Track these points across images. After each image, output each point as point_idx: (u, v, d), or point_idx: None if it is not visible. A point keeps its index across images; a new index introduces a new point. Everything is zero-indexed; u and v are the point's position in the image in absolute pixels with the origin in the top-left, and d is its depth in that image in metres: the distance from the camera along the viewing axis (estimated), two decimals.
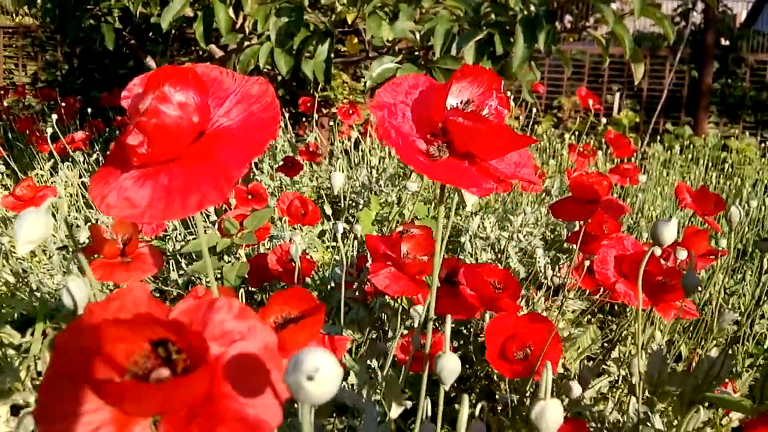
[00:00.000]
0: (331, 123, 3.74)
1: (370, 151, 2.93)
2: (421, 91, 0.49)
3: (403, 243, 0.98)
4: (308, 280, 1.45)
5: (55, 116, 2.22)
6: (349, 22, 1.59)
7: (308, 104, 3.31)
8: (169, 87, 0.37)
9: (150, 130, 0.37)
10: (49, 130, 2.16)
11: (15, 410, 1.33)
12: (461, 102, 0.49)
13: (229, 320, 0.42)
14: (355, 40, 1.62)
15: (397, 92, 0.48)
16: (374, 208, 1.48)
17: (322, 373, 0.29)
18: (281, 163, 2.50)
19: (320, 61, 1.68)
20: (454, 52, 1.45)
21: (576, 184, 1.12)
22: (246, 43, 2.17)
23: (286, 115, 3.42)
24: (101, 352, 0.40)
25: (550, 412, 0.47)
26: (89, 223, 1.74)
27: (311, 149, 2.70)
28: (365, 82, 1.60)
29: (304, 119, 3.84)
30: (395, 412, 0.81)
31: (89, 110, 3.30)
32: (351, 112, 2.85)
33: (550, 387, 0.50)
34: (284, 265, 1.39)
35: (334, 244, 1.87)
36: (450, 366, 0.55)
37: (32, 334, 1.54)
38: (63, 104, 3.11)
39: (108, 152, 2.45)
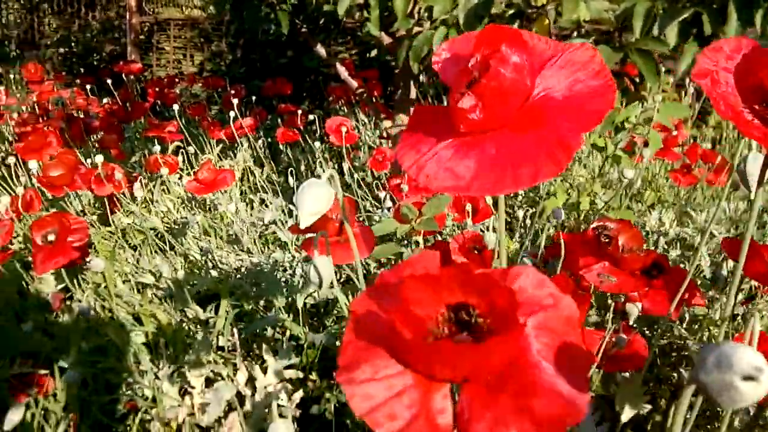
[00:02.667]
0: None
1: None
2: (745, 55, 0.43)
3: (620, 236, 0.92)
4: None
5: (235, 104, 2.31)
6: (542, 3, 1.53)
7: None
8: (506, 48, 0.34)
9: (487, 93, 0.34)
10: (231, 114, 2.26)
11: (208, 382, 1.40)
12: None
13: (529, 289, 0.39)
14: (546, 21, 1.56)
15: (718, 58, 0.43)
16: (560, 198, 1.42)
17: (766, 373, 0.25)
18: None
19: None
20: (655, 32, 1.36)
21: None
22: (416, 30, 2.16)
23: (435, 102, 3.39)
24: (402, 316, 0.38)
25: None
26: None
27: None
28: None
29: None
30: (627, 414, 0.74)
31: (253, 98, 3.43)
32: None
33: None
34: (467, 254, 1.36)
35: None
36: None
37: (214, 310, 1.62)
38: (232, 92, 3.25)
39: (404, 121, 2.51)
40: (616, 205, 1.47)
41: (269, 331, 1.53)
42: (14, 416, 0.91)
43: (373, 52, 4.60)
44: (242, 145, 2.91)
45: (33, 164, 1.37)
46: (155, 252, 1.77)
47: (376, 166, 2.00)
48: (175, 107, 2.54)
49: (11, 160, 1.69)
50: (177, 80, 3.88)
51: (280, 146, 3.06)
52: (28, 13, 6.46)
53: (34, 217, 1.66)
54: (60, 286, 1.39)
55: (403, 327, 0.37)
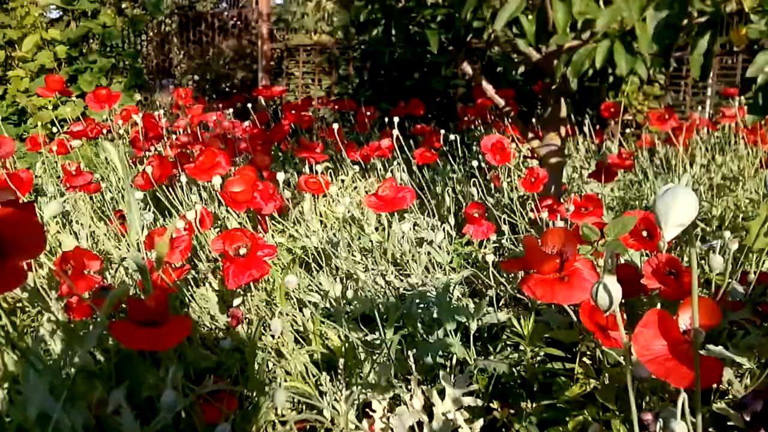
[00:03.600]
0: (626, 131, 3.53)
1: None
2: None
3: None
4: None
5: (391, 125, 2.29)
6: (746, 9, 1.41)
7: (611, 110, 3.13)
8: None
9: None
10: (388, 141, 2.25)
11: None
12: None
13: None
14: (744, 30, 1.44)
15: None
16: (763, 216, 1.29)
17: None
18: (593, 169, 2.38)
19: (698, 54, 1.53)
20: None
21: None
22: (567, 45, 2.07)
23: (587, 120, 3.27)
24: None
25: None
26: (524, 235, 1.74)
27: (622, 156, 2.54)
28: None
29: (597, 126, 3.66)
30: None
31: (386, 120, 3.43)
32: (667, 117, 2.62)
33: None
34: (662, 278, 1.26)
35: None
36: None
37: (378, 331, 1.58)
38: (368, 113, 3.26)
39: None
40: None
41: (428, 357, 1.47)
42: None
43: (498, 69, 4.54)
44: (376, 167, 2.91)
45: (216, 180, 1.40)
46: (317, 270, 1.76)
47: (529, 186, 1.92)
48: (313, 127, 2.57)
49: (183, 178, 1.74)
50: (308, 104, 3.95)
51: (413, 167, 3.04)
52: (162, 43, 6.84)
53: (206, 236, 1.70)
54: (237, 302, 1.39)
55: None
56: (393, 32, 2.34)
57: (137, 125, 2.53)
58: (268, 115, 3.66)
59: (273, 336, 1.59)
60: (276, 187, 1.67)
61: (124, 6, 5.36)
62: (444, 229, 1.78)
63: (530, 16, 2.04)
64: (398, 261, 1.97)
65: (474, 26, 2.29)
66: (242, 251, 1.06)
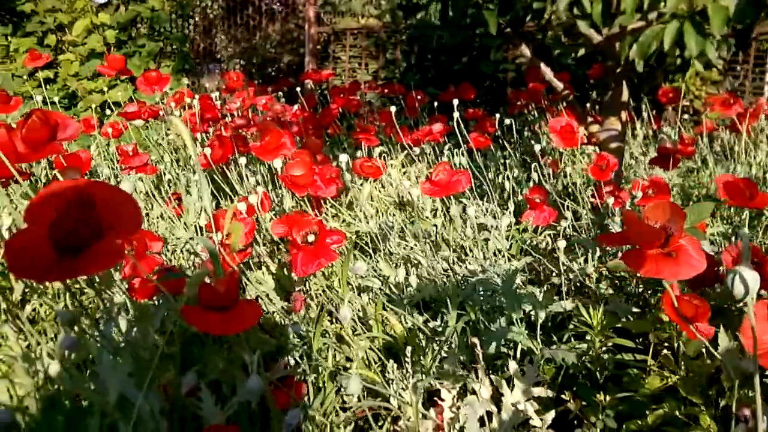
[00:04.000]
0: (683, 116, 3.43)
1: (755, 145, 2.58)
2: None
3: None
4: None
5: (440, 109, 2.25)
6: None
7: (669, 95, 3.04)
8: None
9: None
10: (440, 125, 2.21)
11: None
12: None
13: None
14: None
15: None
16: None
17: None
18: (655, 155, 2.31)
19: None
20: None
21: None
22: (631, 27, 2.00)
23: (644, 106, 3.18)
24: None
25: None
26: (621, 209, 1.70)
27: (684, 143, 2.46)
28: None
29: (654, 112, 3.55)
30: None
31: (435, 104, 3.39)
32: (732, 102, 2.53)
33: None
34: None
35: None
36: None
37: (436, 318, 1.55)
38: (418, 97, 3.22)
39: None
40: None
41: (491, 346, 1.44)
42: (293, 420, 0.87)
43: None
44: (426, 151, 2.88)
45: (278, 162, 1.38)
46: (370, 256, 1.74)
47: (598, 174, 1.86)
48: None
49: (242, 160, 1.73)
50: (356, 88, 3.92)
51: (463, 152, 3.00)
52: (208, 27, 6.86)
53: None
54: (298, 287, 1.37)
55: None
56: (449, 14, 2.29)
57: (191, 108, 2.53)
58: (316, 99, 3.64)
59: (331, 321, 1.58)
60: (339, 171, 1.65)
61: None
62: (508, 214, 1.73)
63: None
64: (455, 247, 1.93)
65: (534, 7, 2.23)
66: (310, 238, 1.04)
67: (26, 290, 1.44)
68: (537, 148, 1.98)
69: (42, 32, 5.39)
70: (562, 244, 1.31)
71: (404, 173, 2.90)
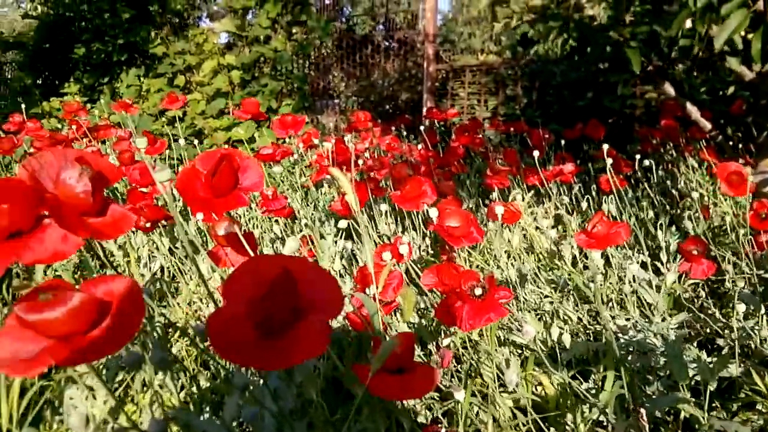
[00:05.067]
0: None
1: None
2: None
3: None
4: None
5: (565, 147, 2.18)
6: None
7: None
8: None
9: None
10: (571, 165, 2.13)
11: None
12: None
13: None
14: None
15: None
16: None
17: None
18: None
19: None
20: None
21: None
22: None
23: None
24: None
25: None
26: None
27: None
28: None
29: None
30: None
31: (562, 142, 3.29)
32: None
33: None
34: None
35: None
36: None
37: (584, 377, 1.46)
38: (545, 135, 3.14)
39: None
40: None
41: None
42: None
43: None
44: (552, 191, 2.79)
45: (433, 212, 1.35)
46: (519, 310, 1.67)
47: (757, 223, 1.71)
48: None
49: (383, 207, 1.71)
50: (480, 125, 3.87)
51: (593, 193, 2.88)
52: (325, 66, 7.05)
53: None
54: (446, 342, 1.33)
55: None
56: (587, 51, 2.22)
57: (320, 148, 2.56)
58: (437, 137, 3.62)
59: (471, 376, 1.52)
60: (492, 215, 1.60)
61: (294, 31, 5.57)
62: (674, 271, 1.62)
63: (751, 34, 1.86)
64: (590, 299, 1.84)
65: (680, 44, 2.12)
66: (478, 292, 1.00)
67: None
68: (695, 195, 1.86)
69: (172, 73, 5.71)
70: (741, 307, 1.20)
71: (531, 213, 2.81)
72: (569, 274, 1.84)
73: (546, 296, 1.87)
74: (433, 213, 1.36)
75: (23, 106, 3.98)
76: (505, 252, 2.19)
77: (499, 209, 1.61)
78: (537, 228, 2.48)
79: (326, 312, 0.52)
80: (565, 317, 1.73)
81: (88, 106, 5.50)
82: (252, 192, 0.89)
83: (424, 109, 5.40)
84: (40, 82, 6.30)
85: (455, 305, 1.01)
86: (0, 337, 0.53)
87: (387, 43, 6.57)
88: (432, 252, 2.16)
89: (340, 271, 1.71)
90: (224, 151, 0.85)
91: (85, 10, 5.94)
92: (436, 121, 4.09)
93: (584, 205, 2.24)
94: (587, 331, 1.67)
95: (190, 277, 1.97)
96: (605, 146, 1.93)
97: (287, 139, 2.81)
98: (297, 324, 0.52)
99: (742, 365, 1.38)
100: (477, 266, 2.00)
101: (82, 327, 0.52)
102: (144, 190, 2.00)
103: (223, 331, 0.50)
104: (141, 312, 0.53)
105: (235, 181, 0.84)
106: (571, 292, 1.75)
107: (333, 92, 6.89)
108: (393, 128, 3.84)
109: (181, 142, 2.75)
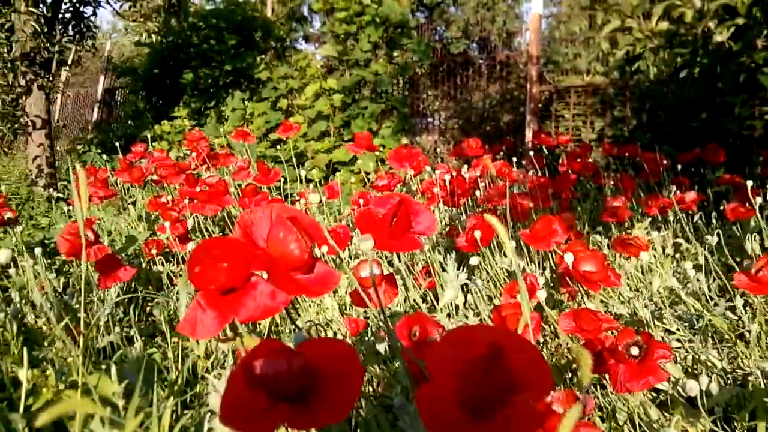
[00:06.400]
0: None
1: None
2: None
3: None
4: None
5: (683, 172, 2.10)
6: None
7: None
8: None
9: None
10: (693, 194, 2.06)
11: None
12: None
13: None
14: None
15: None
16: None
17: None
18: None
19: None
20: None
21: None
22: None
23: None
24: None
25: None
26: None
27: None
28: None
29: None
30: None
31: (679, 166, 3.19)
32: None
33: None
34: None
35: None
36: None
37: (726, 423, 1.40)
38: (664, 161, 3.06)
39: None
40: None
41: None
42: None
43: None
44: (669, 219, 2.71)
45: (569, 258, 1.33)
46: None
47: None
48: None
49: (512, 243, 1.71)
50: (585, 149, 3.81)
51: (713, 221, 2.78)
52: (419, 86, 7.10)
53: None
54: (586, 384, 1.31)
55: None
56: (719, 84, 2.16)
57: (433, 176, 2.59)
58: (543, 161, 3.59)
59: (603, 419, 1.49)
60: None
61: (395, 54, 5.64)
62: None
63: None
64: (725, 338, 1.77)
65: None
66: (634, 351, 0.97)
67: None
68: None
69: (275, 97, 5.89)
70: None
71: (648, 241, 2.73)
72: (702, 312, 1.78)
73: (671, 333, 1.81)
74: (569, 258, 1.35)
75: (136, 128, 4.20)
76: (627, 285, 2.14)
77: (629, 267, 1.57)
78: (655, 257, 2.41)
79: (535, 390, 0.52)
80: (698, 357, 1.67)
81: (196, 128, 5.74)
82: (425, 236, 0.92)
83: (527, 131, 5.35)
84: (149, 106, 6.64)
85: (609, 362, 0.99)
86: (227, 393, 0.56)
87: (485, 63, 6.56)
88: (552, 285, 2.13)
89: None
90: (399, 196, 0.88)
91: (194, 38, 6.23)
92: (535, 144, 4.06)
93: (713, 239, 2.14)
94: (726, 375, 1.61)
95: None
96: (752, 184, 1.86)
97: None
98: (507, 404, 0.51)
99: None
100: (600, 301, 1.96)
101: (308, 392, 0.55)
102: None
103: (436, 412, 0.51)
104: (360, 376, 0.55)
105: (410, 224, 0.87)
106: (709, 332, 1.69)
107: (427, 112, 6.93)
108: (498, 151, 3.83)
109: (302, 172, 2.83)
